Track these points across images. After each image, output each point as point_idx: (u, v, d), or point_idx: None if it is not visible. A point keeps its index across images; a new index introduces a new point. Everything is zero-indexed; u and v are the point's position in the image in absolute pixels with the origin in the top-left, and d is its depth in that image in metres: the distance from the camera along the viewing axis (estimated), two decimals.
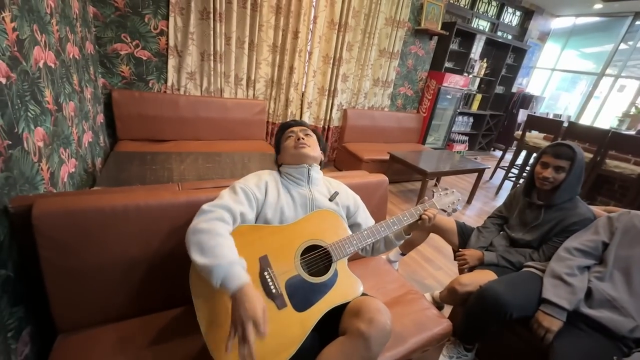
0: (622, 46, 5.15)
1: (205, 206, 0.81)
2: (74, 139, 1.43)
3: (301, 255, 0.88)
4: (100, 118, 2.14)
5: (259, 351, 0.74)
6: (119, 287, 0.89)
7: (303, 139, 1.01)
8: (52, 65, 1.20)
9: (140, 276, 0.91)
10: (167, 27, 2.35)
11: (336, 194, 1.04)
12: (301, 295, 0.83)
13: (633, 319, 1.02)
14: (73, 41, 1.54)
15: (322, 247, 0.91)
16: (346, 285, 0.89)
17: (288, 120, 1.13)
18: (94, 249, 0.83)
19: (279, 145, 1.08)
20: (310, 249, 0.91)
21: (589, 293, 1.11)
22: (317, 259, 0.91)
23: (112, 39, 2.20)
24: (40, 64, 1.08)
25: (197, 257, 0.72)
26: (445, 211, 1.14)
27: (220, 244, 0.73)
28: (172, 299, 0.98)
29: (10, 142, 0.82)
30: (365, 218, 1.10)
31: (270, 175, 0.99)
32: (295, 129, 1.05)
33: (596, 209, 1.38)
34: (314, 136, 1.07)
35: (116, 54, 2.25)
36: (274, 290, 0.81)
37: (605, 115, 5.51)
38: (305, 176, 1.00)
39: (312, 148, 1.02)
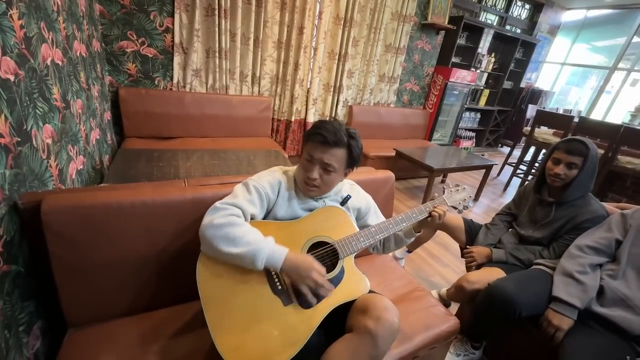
0: (636, 39, 5.00)
1: (218, 204, 0.81)
2: (81, 136, 1.44)
3: (307, 252, 0.88)
4: (108, 115, 2.16)
5: (265, 348, 0.74)
6: (127, 282, 0.90)
7: (316, 179, 0.87)
8: (60, 63, 1.21)
9: (147, 271, 0.92)
10: (173, 24, 2.35)
11: (348, 197, 1.01)
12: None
13: None
14: (80, 39, 1.54)
15: (328, 243, 0.90)
16: (353, 283, 0.89)
17: (322, 119, 0.93)
18: (101, 244, 0.83)
19: (303, 145, 0.94)
20: (317, 245, 0.90)
21: (601, 291, 1.09)
22: (324, 255, 0.90)
23: (118, 36, 2.21)
24: (48, 62, 1.09)
25: (228, 249, 0.75)
26: (456, 208, 1.12)
27: (246, 231, 0.78)
28: (180, 294, 0.98)
29: (19, 139, 0.83)
30: (376, 220, 1.07)
31: (284, 176, 0.95)
32: (317, 155, 0.86)
33: (609, 206, 1.35)
34: (335, 172, 0.89)
35: (122, 52, 2.26)
36: (279, 287, 0.81)
37: (617, 110, 5.38)
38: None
39: (322, 189, 0.92)
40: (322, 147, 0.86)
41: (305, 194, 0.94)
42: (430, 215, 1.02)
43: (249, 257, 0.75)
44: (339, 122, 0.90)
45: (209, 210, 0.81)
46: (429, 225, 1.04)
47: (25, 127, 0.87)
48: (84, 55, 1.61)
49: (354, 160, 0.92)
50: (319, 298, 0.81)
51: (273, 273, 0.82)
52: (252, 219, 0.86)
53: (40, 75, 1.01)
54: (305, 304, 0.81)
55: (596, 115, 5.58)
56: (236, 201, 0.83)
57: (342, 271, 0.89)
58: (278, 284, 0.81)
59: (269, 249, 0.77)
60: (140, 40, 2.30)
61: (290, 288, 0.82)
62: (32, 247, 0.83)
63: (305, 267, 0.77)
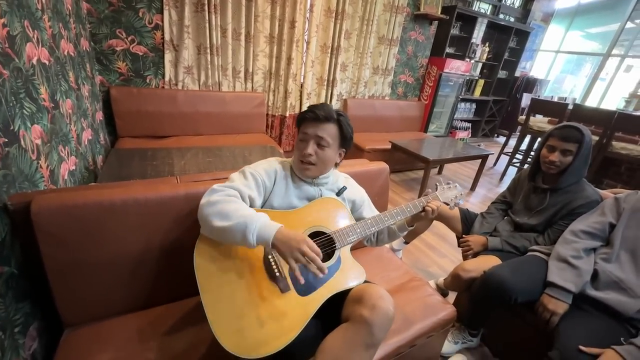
0: (629, 25, 5.00)
1: (216, 185, 0.83)
2: (72, 136, 1.42)
3: None
4: (100, 116, 2.13)
5: (262, 334, 0.74)
6: (122, 280, 0.90)
7: (311, 155, 0.89)
8: (47, 62, 1.19)
9: (142, 269, 0.92)
10: (162, 21, 2.32)
11: (344, 189, 1.03)
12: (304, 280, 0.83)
13: None
14: (67, 38, 1.52)
15: (326, 233, 0.91)
16: (349, 272, 0.89)
17: (310, 106, 0.93)
18: (94, 243, 0.83)
19: (297, 132, 0.96)
20: (314, 235, 0.90)
21: (595, 275, 1.10)
22: (321, 245, 0.90)
23: (107, 35, 2.18)
24: (34, 61, 1.07)
25: (221, 223, 0.74)
26: (447, 204, 1.14)
27: (241, 207, 0.77)
28: (177, 290, 0.98)
29: (6, 140, 0.82)
30: (370, 213, 1.09)
31: (280, 165, 0.96)
32: (310, 130, 0.90)
33: (604, 192, 1.35)
34: (328, 147, 0.91)
35: (112, 50, 2.23)
36: (277, 274, 0.81)
37: (611, 96, 5.39)
38: (310, 181, 0.98)
39: (318, 167, 0.92)
40: (314, 122, 0.90)
41: (302, 174, 0.95)
42: (423, 209, 1.03)
43: (240, 229, 0.72)
44: (326, 104, 0.94)
45: (206, 192, 0.82)
46: (423, 219, 1.06)
47: (12, 127, 0.86)
48: (72, 54, 1.59)
49: (346, 137, 0.95)
50: (311, 280, 0.78)
51: (271, 259, 0.83)
52: (251, 204, 0.87)
53: (26, 75, 1.00)
54: (302, 290, 0.81)
55: (591, 102, 5.59)
56: (233, 184, 0.84)
57: (338, 261, 0.90)
58: (276, 270, 0.81)
59: (262, 221, 0.74)
60: (129, 38, 2.27)
61: (287, 276, 0.83)
62: (24, 248, 0.82)
63: (297, 239, 0.72)
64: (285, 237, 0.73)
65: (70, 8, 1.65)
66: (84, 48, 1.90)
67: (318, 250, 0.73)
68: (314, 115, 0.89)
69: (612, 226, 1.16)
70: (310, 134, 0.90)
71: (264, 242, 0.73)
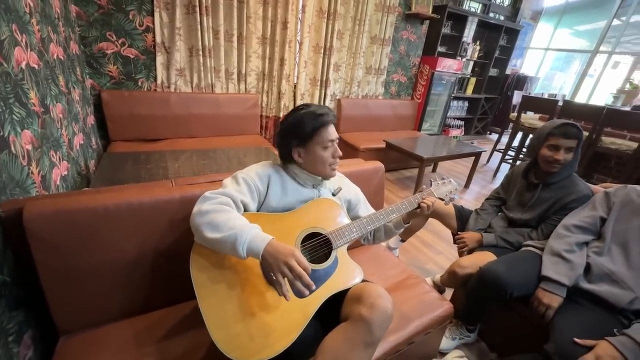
0: (615, 22, 5.09)
1: (207, 193, 0.82)
2: (64, 141, 1.40)
3: (301, 243, 0.88)
4: (91, 120, 2.11)
5: (261, 336, 0.74)
6: (118, 286, 0.89)
7: (341, 154, 0.96)
8: (36, 66, 1.17)
9: (138, 274, 0.91)
10: (153, 23, 2.30)
11: (339, 189, 1.04)
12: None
13: (632, 291, 1.02)
14: (56, 41, 1.50)
15: (322, 234, 0.91)
16: (346, 272, 0.89)
17: (319, 106, 0.93)
18: (88, 249, 0.82)
19: (306, 141, 0.90)
20: (310, 236, 0.91)
21: (587, 268, 1.12)
22: (317, 246, 0.91)
23: (97, 38, 2.15)
24: (23, 65, 1.06)
25: (212, 235, 0.73)
26: (443, 200, 1.14)
27: (232, 217, 0.76)
28: (173, 295, 0.98)
29: None
30: (366, 211, 1.10)
31: (273, 168, 0.96)
32: (334, 136, 0.94)
33: (595, 187, 1.38)
34: None
35: (102, 54, 2.21)
36: (274, 277, 0.81)
37: (600, 92, 5.49)
38: (313, 182, 0.99)
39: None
40: (332, 127, 0.93)
41: (330, 175, 0.98)
42: (419, 206, 1.04)
43: (230, 241, 0.71)
44: (322, 105, 0.98)
45: (199, 200, 0.81)
46: (419, 216, 1.07)
47: (2, 133, 0.85)
48: (62, 58, 1.56)
49: None
50: (298, 294, 0.73)
51: None
52: (245, 209, 0.87)
53: (15, 80, 0.98)
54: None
55: (580, 99, 5.68)
56: (225, 190, 0.84)
57: (335, 261, 0.90)
58: (272, 274, 0.81)
59: (252, 234, 0.73)
60: (120, 41, 2.24)
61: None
62: (16, 255, 0.81)
63: (285, 253, 0.70)
64: (274, 250, 0.71)
65: (58, 11, 1.63)
66: (74, 51, 1.87)
67: (306, 265, 0.71)
68: (330, 119, 0.91)
69: (603, 220, 1.18)
70: (334, 138, 0.94)
71: (254, 255, 0.72)
